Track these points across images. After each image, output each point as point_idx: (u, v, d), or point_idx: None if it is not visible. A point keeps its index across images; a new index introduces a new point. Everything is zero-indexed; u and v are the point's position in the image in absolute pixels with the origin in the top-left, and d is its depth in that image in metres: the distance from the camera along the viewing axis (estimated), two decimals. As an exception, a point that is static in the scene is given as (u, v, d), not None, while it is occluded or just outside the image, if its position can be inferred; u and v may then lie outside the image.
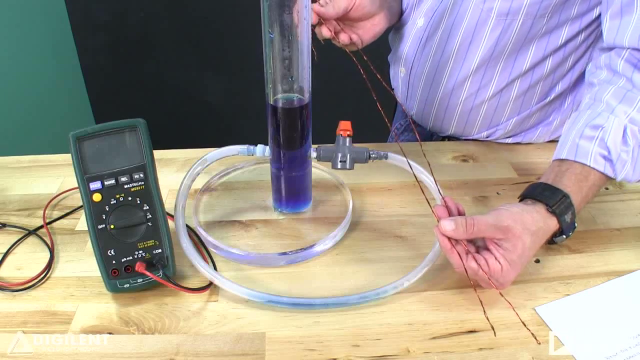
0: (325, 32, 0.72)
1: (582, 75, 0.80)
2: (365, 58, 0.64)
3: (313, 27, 0.71)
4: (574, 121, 0.63)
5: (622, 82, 0.62)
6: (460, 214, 0.57)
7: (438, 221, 0.55)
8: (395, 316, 0.55)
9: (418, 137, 0.76)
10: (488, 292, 0.56)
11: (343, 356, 0.51)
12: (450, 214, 0.56)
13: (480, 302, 0.52)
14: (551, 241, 0.59)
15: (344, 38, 0.73)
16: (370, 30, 0.79)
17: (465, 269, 0.53)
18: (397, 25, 0.92)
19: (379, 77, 0.62)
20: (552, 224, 0.56)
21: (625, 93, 0.60)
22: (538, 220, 0.55)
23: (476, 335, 0.53)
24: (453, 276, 0.60)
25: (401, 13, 0.89)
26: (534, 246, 0.55)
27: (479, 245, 0.56)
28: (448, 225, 0.53)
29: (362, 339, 0.53)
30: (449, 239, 0.54)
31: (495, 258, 0.53)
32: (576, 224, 0.59)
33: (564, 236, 0.59)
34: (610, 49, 0.65)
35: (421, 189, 0.60)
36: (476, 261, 0.53)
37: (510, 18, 0.73)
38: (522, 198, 0.60)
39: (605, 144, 0.58)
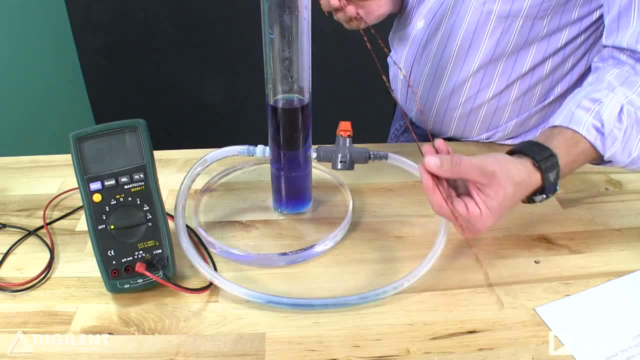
0: (333, 1, 0.72)
1: (581, 77, 0.80)
2: (373, 31, 0.63)
3: None
4: (574, 95, 0.62)
5: (626, 68, 0.62)
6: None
7: (423, 158, 0.53)
8: (395, 316, 0.55)
9: (415, 138, 0.76)
10: (488, 292, 0.56)
11: (343, 356, 0.51)
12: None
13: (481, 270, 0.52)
14: (530, 199, 0.58)
15: (351, 10, 0.73)
16: (374, 11, 0.80)
17: (445, 210, 0.52)
18: (397, 25, 0.92)
19: (386, 51, 0.61)
20: (535, 178, 0.55)
21: (627, 77, 0.61)
22: (522, 172, 0.54)
23: (476, 335, 0.53)
24: (453, 276, 0.60)
25: (402, 5, 0.89)
26: (514, 197, 0.54)
27: (460, 192, 0.55)
28: (433, 161, 0.51)
29: (362, 339, 0.53)
30: (432, 178, 0.52)
31: (476, 203, 0.52)
32: (558, 187, 0.58)
33: (544, 195, 0.57)
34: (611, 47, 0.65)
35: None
36: (455, 205, 0.52)
37: (510, 20, 0.73)
38: (510, 153, 0.58)
39: (600, 117, 0.58)
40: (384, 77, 0.59)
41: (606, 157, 0.59)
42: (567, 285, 0.59)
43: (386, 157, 0.68)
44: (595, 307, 0.56)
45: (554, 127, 0.60)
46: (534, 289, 0.58)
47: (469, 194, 0.53)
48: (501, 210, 0.53)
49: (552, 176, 0.56)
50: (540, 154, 0.56)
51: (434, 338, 0.53)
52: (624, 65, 0.62)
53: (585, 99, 0.60)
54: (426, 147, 0.55)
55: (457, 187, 0.55)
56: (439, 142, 0.55)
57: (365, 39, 0.59)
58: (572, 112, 0.59)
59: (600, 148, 0.58)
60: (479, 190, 0.53)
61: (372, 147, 0.68)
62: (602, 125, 0.58)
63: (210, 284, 0.57)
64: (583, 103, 0.59)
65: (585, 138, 0.58)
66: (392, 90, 0.97)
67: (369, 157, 0.67)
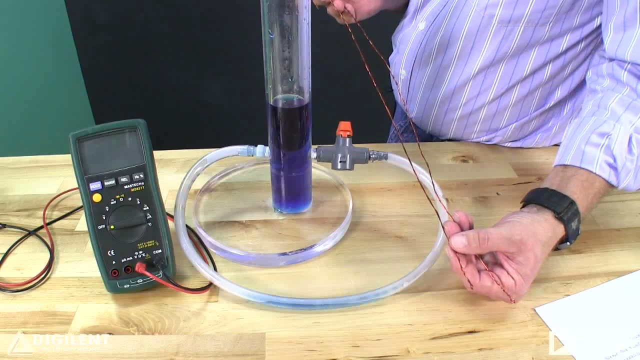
0: None
1: (581, 83, 0.80)
2: (359, 25, 0.63)
3: None
4: (578, 127, 0.62)
5: (626, 91, 0.61)
6: (470, 226, 0.55)
7: (448, 239, 0.52)
8: (395, 316, 0.55)
9: (417, 138, 0.76)
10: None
11: (343, 356, 0.51)
12: (462, 229, 0.54)
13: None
14: (555, 248, 0.58)
15: (338, 4, 0.73)
16: (364, 6, 0.80)
17: (478, 287, 0.52)
18: (400, 26, 0.92)
19: (381, 57, 0.61)
20: (560, 230, 0.55)
21: (630, 102, 0.60)
22: (547, 229, 0.54)
23: (476, 336, 0.53)
24: (453, 276, 0.59)
25: (403, 5, 0.89)
26: (543, 256, 0.54)
27: (486, 260, 0.54)
28: (460, 241, 0.51)
29: (362, 339, 0.53)
30: (459, 258, 0.52)
31: (508, 273, 0.52)
32: (580, 231, 0.58)
33: (568, 243, 0.58)
34: (612, 59, 0.65)
35: (424, 191, 0.60)
36: (484, 279, 0.52)
37: (512, 25, 0.73)
38: (526, 203, 0.58)
39: (611, 152, 0.58)
40: (372, 80, 0.59)
41: (619, 188, 0.59)
42: (567, 285, 0.59)
43: (386, 157, 0.68)
44: (595, 307, 0.56)
45: (565, 166, 0.60)
46: (534, 289, 0.58)
47: (498, 263, 0.53)
48: (533, 273, 0.53)
49: (574, 224, 0.56)
50: (560, 204, 0.55)
51: (434, 338, 0.53)
52: (624, 87, 0.62)
53: (593, 134, 0.59)
54: (448, 224, 0.53)
55: (483, 255, 0.54)
56: (460, 215, 0.54)
57: (351, 32, 0.59)
58: (582, 150, 0.59)
59: (614, 182, 0.58)
60: (509, 259, 0.52)
61: (372, 147, 0.68)
62: (615, 161, 0.58)
63: (210, 284, 0.57)
64: (592, 139, 0.59)
65: (600, 176, 0.58)
66: (392, 90, 0.97)
67: (369, 157, 0.67)
